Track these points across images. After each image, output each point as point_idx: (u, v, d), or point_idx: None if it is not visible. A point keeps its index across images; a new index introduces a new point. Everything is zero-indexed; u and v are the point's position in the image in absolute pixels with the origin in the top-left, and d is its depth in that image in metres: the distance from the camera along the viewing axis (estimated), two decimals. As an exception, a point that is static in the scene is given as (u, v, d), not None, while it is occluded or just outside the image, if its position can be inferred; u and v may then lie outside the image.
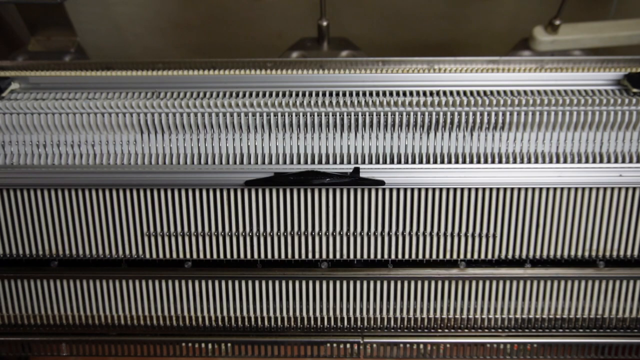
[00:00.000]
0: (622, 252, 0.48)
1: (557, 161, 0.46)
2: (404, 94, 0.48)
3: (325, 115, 0.47)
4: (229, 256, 0.49)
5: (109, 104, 0.47)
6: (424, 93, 0.48)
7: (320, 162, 0.47)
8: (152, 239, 0.49)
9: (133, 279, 0.50)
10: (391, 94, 0.48)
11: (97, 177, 0.46)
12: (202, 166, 0.47)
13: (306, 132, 0.47)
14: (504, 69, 0.51)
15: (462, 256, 0.48)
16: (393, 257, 0.48)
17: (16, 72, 0.52)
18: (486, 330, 0.50)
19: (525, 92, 0.48)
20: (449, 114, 0.46)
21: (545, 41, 0.64)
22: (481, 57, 0.51)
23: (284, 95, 0.49)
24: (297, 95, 0.49)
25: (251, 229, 0.48)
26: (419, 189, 0.47)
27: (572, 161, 0.46)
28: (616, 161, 0.46)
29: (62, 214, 0.48)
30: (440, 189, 0.46)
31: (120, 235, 0.49)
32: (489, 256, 0.48)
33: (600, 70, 0.50)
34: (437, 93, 0.48)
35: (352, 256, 0.49)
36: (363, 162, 0.47)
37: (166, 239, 0.48)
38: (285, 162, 0.47)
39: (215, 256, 0.49)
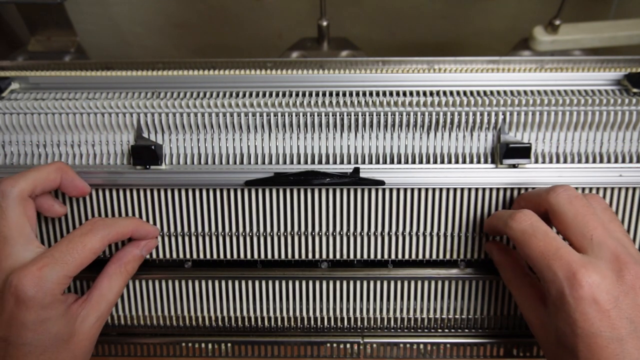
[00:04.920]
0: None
1: (557, 161, 0.46)
2: (404, 94, 0.48)
3: (325, 115, 0.47)
4: (229, 256, 0.49)
5: (109, 104, 0.47)
6: (424, 93, 0.48)
7: (320, 162, 0.47)
8: (152, 239, 0.49)
9: (133, 279, 0.49)
10: (391, 94, 0.48)
11: (97, 177, 0.47)
12: (202, 166, 0.47)
13: (306, 132, 0.47)
14: (504, 69, 0.51)
15: (462, 256, 0.48)
16: (393, 257, 0.48)
17: (16, 72, 0.52)
18: (487, 330, 0.50)
19: (525, 92, 0.48)
20: (449, 114, 0.46)
21: (545, 41, 0.64)
22: (481, 57, 0.51)
23: (284, 95, 0.49)
24: (297, 95, 0.49)
25: (251, 229, 0.48)
26: (419, 189, 0.47)
27: (572, 161, 0.46)
28: (616, 161, 0.46)
29: (62, 214, 0.48)
30: (440, 189, 0.47)
31: (120, 235, 0.49)
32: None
33: (600, 70, 0.50)
34: (437, 93, 0.48)
35: (352, 256, 0.49)
36: (363, 162, 0.47)
37: (166, 239, 0.48)
38: (285, 162, 0.47)
39: (215, 256, 0.49)
